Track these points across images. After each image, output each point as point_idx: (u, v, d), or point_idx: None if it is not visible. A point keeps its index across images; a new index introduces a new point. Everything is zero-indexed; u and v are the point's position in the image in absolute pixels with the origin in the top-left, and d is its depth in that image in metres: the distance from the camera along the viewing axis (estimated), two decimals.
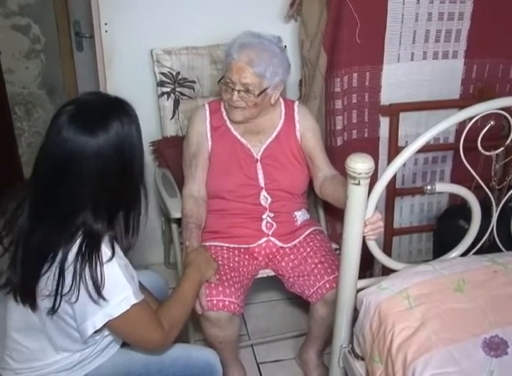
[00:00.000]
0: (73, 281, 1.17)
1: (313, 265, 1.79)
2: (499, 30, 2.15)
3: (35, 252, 1.20)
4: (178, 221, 1.94)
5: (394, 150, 2.18)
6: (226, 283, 1.69)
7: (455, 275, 1.42)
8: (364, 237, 1.44)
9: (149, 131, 2.21)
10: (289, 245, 1.88)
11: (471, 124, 1.45)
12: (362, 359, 1.49)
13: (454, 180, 2.32)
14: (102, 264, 1.19)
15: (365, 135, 2.23)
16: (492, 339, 1.27)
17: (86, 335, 1.24)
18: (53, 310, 1.21)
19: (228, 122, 1.91)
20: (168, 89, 2.13)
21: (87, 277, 1.18)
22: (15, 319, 1.33)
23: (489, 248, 1.64)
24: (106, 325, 1.24)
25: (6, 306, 1.34)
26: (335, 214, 2.08)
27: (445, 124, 1.41)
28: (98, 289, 1.18)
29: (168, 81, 2.13)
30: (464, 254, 1.61)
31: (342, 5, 1.97)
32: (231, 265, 1.79)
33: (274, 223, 1.88)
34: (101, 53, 2.10)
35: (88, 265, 1.18)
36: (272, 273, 1.91)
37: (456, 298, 1.36)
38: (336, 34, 2.01)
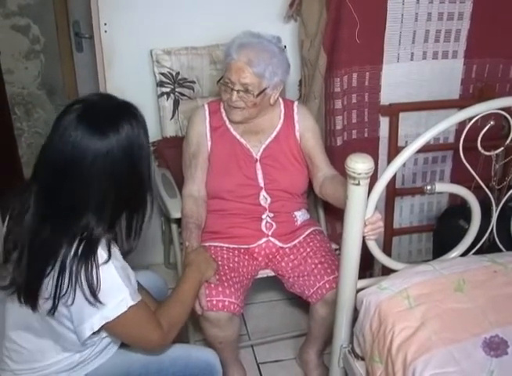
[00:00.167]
0: (69, 283, 1.17)
1: (313, 266, 1.79)
2: (499, 30, 2.15)
3: (40, 253, 1.19)
4: (178, 221, 1.94)
5: (394, 150, 2.19)
6: (226, 284, 1.69)
7: (455, 275, 1.42)
8: (364, 237, 1.44)
9: (149, 131, 2.18)
10: (289, 245, 1.88)
11: (471, 124, 1.45)
12: (362, 359, 1.49)
13: (454, 180, 2.32)
14: (97, 267, 1.18)
15: (365, 135, 2.23)
16: (492, 339, 1.27)
17: (84, 337, 1.24)
18: (51, 312, 1.21)
19: (227, 122, 1.91)
20: (168, 89, 2.13)
21: (83, 280, 1.17)
22: (14, 321, 1.33)
23: (489, 248, 1.64)
24: (104, 327, 1.24)
25: (5, 307, 1.34)
26: (335, 214, 2.08)
27: (445, 124, 1.41)
28: (93, 292, 1.18)
29: (168, 81, 2.12)
30: (464, 254, 1.61)
31: (342, 5, 1.97)
32: (231, 265, 1.79)
33: (274, 223, 1.88)
34: (100, 54, 2.10)
35: (83, 267, 1.17)
36: (272, 274, 1.91)
37: (456, 298, 1.36)
38: (335, 34, 2.01)
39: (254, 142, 1.90)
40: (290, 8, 2.14)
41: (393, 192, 2.27)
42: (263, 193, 1.88)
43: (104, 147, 1.16)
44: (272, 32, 1.89)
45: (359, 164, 1.30)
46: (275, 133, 1.92)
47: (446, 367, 1.22)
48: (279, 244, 1.88)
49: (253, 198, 1.88)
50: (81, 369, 1.36)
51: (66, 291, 1.17)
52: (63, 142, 1.17)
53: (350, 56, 2.07)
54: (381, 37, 2.09)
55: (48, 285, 1.19)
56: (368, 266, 2.10)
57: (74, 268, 1.17)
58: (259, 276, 1.90)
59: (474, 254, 1.62)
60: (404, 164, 1.56)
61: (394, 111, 2.19)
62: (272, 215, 1.88)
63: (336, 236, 2.11)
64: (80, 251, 1.18)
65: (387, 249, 2.33)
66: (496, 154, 1.55)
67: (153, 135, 2.19)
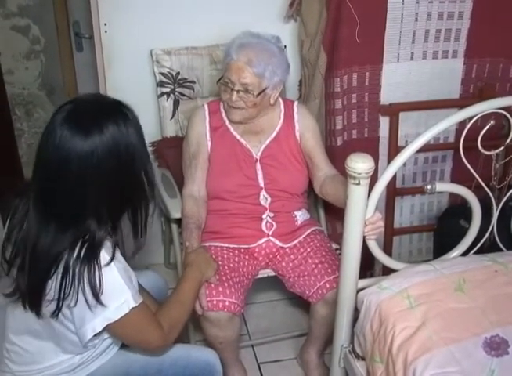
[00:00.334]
0: (72, 285, 1.17)
1: (313, 266, 1.79)
2: (499, 29, 2.15)
3: (42, 256, 1.19)
4: (178, 221, 1.94)
5: (394, 150, 2.18)
6: (226, 284, 1.69)
7: (455, 274, 1.42)
8: (364, 237, 1.44)
9: (149, 131, 2.18)
10: (289, 245, 1.88)
11: (471, 123, 1.45)
12: (363, 359, 1.49)
13: (454, 180, 2.31)
14: (100, 269, 1.18)
15: (365, 134, 2.23)
16: (493, 339, 1.27)
17: (86, 339, 1.23)
18: (54, 314, 1.20)
19: (227, 122, 1.91)
20: (168, 89, 2.13)
21: (85, 282, 1.17)
22: (15, 322, 1.33)
23: (490, 248, 1.64)
24: (106, 328, 1.24)
25: (7, 310, 1.34)
26: (335, 214, 2.08)
27: (445, 123, 1.41)
28: (96, 294, 1.18)
29: (168, 81, 2.12)
30: (465, 254, 1.61)
31: (342, 5, 1.97)
32: (231, 265, 1.79)
33: (274, 223, 1.88)
34: (100, 54, 2.10)
35: (86, 269, 1.17)
36: (273, 273, 1.91)
37: (456, 298, 1.36)
38: (335, 33, 2.01)
39: (254, 142, 1.90)
40: (290, 8, 2.14)
41: (393, 192, 2.27)
42: (263, 193, 1.88)
43: (88, 147, 1.15)
44: (272, 32, 1.90)
45: (359, 164, 1.30)
46: (275, 133, 1.92)
47: (447, 367, 1.22)
48: (280, 244, 1.88)
49: (253, 198, 1.88)
50: (82, 370, 1.36)
51: (70, 292, 1.17)
52: (51, 143, 1.16)
53: (350, 56, 2.07)
54: (381, 37, 2.09)
55: (51, 287, 1.19)
56: (368, 266, 2.10)
57: (77, 270, 1.17)
58: (259, 276, 1.90)
59: (475, 253, 1.62)
60: (404, 164, 1.56)
61: (394, 111, 2.19)
62: (272, 214, 1.88)
63: (336, 235, 2.11)
64: (82, 254, 1.18)
65: (387, 249, 2.33)
66: (496, 154, 1.55)
67: (153, 135, 2.21)
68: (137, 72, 2.15)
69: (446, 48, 2.18)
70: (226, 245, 1.85)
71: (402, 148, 1.43)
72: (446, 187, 1.71)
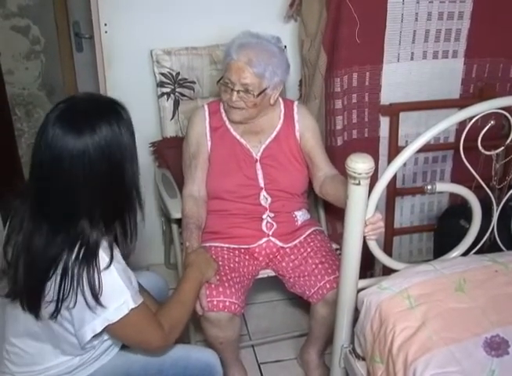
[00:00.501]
0: (71, 287, 1.17)
1: (314, 266, 1.79)
2: (499, 29, 2.14)
3: (38, 257, 1.19)
4: (179, 221, 1.94)
5: (395, 150, 2.18)
6: (227, 284, 1.69)
7: (455, 275, 1.42)
8: (364, 237, 1.44)
9: (149, 131, 2.22)
10: (289, 245, 1.88)
11: (471, 123, 1.45)
12: (363, 359, 1.49)
13: (454, 180, 2.31)
14: (99, 271, 1.18)
15: (366, 134, 2.23)
16: (493, 339, 1.27)
17: (85, 340, 1.23)
18: (53, 315, 1.20)
19: (227, 123, 1.91)
20: (168, 90, 2.13)
21: (84, 283, 1.17)
22: (14, 324, 1.33)
23: (490, 248, 1.64)
24: (106, 329, 1.24)
25: (6, 311, 1.34)
26: (335, 214, 2.08)
27: (446, 123, 1.41)
28: (96, 295, 1.17)
29: (168, 81, 2.12)
30: (465, 254, 1.61)
31: (342, 5, 1.97)
32: (231, 265, 1.79)
33: (274, 223, 1.88)
34: (101, 54, 2.10)
35: (85, 271, 1.17)
36: (273, 274, 1.91)
37: (456, 298, 1.36)
38: (335, 33, 2.01)
39: (253, 142, 1.90)
40: (290, 8, 2.14)
41: (393, 192, 2.27)
42: (263, 193, 1.88)
43: (80, 147, 1.14)
44: (272, 32, 1.90)
45: (360, 164, 1.30)
46: (275, 133, 1.92)
47: (447, 367, 1.22)
48: (280, 244, 1.88)
49: (253, 198, 1.88)
50: (81, 372, 1.36)
51: (69, 294, 1.17)
52: (44, 141, 1.16)
53: (350, 56, 2.07)
54: (381, 37, 2.09)
55: (50, 288, 1.18)
56: (369, 266, 2.10)
57: (76, 271, 1.17)
58: (260, 276, 1.90)
59: (475, 253, 1.62)
60: (404, 164, 1.56)
61: (394, 111, 2.19)
62: (272, 214, 1.88)
63: (336, 236, 2.11)
64: (81, 256, 1.17)
65: (387, 249, 2.33)
66: (497, 154, 1.55)
67: (153, 135, 2.21)
68: (137, 72, 2.15)
69: (446, 48, 2.18)
70: (226, 245, 1.85)
71: (402, 148, 1.43)
72: (446, 187, 1.71)
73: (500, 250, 1.64)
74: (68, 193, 1.17)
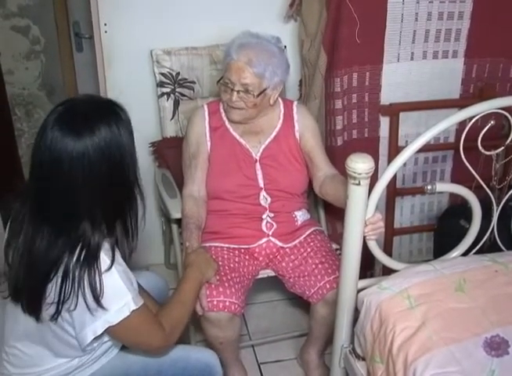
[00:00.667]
0: (72, 289, 1.17)
1: (313, 266, 1.79)
2: (499, 29, 2.14)
3: (39, 260, 1.19)
4: (179, 221, 1.94)
5: (395, 150, 2.18)
6: (227, 284, 1.69)
7: (455, 275, 1.42)
8: (364, 237, 1.44)
9: (149, 131, 2.22)
10: (289, 245, 1.88)
11: (471, 123, 1.45)
12: (363, 359, 1.49)
13: (454, 180, 2.31)
14: (100, 273, 1.18)
15: (366, 135, 2.23)
16: (493, 339, 1.27)
17: (86, 342, 1.23)
18: (54, 317, 1.20)
19: (227, 123, 1.91)
20: (168, 90, 2.13)
21: (86, 285, 1.17)
22: (14, 326, 1.32)
23: (490, 248, 1.64)
24: (107, 331, 1.24)
25: (5, 313, 1.34)
26: (335, 214, 2.08)
27: (446, 123, 1.41)
28: (97, 297, 1.17)
29: (168, 81, 2.12)
30: (465, 254, 1.61)
31: (342, 5, 1.97)
32: (231, 265, 1.79)
33: (274, 223, 1.88)
34: (100, 54, 2.10)
35: (87, 273, 1.17)
36: (273, 274, 1.91)
37: (456, 298, 1.36)
38: (335, 33, 2.01)
39: (253, 142, 1.90)
40: (290, 8, 2.14)
41: (393, 192, 2.27)
42: (263, 193, 1.88)
43: (79, 148, 1.14)
44: (272, 32, 1.90)
45: (360, 164, 1.30)
46: (274, 133, 1.92)
47: (447, 367, 1.22)
48: (280, 244, 1.88)
49: (253, 198, 1.88)
50: (80, 373, 1.36)
51: (70, 296, 1.17)
52: (43, 144, 1.16)
53: (350, 56, 2.07)
54: (381, 37, 2.09)
55: (51, 290, 1.18)
56: (369, 266, 2.10)
57: (77, 273, 1.17)
58: (260, 276, 1.90)
59: (475, 253, 1.62)
60: (404, 164, 1.56)
61: (394, 111, 2.19)
62: (272, 214, 1.88)
63: (336, 236, 2.11)
64: (82, 258, 1.17)
65: (387, 249, 2.33)
66: (497, 154, 1.55)
67: (153, 135, 2.21)
68: (137, 72, 2.15)
69: (446, 48, 2.18)
70: (226, 245, 1.85)
71: (402, 148, 1.43)
72: (446, 187, 1.71)
73: (500, 250, 1.64)
74: (68, 194, 1.17)
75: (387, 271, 1.62)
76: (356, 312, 1.51)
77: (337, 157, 2.04)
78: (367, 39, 2.04)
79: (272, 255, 1.89)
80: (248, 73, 1.76)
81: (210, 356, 1.49)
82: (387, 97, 2.19)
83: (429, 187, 1.49)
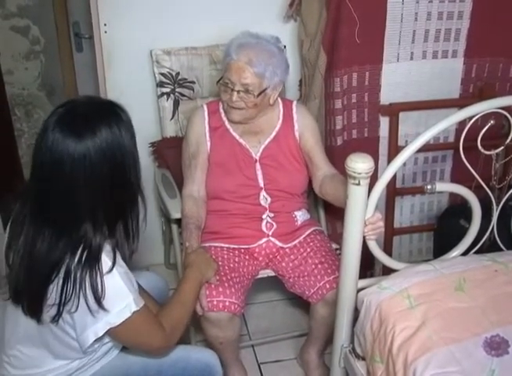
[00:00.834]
0: (73, 290, 1.17)
1: (313, 266, 1.79)
2: (499, 29, 2.14)
3: (40, 262, 1.18)
4: (178, 221, 1.94)
5: (394, 150, 2.18)
6: (226, 284, 1.69)
7: (455, 274, 1.42)
8: (364, 237, 1.44)
9: (149, 131, 2.22)
10: (289, 245, 1.88)
11: (471, 123, 1.45)
12: (363, 359, 1.49)
13: (454, 179, 2.31)
14: (102, 274, 1.18)
15: (365, 134, 2.23)
16: (493, 338, 1.27)
17: (87, 344, 1.23)
18: (55, 319, 1.20)
19: (226, 123, 1.91)
20: (168, 90, 2.13)
21: (87, 287, 1.17)
22: (14, 327, 1.32)
23: (490, 247, 1.64)
24: (108, 332, 1.24)
25: (6, 314, 1.34)
26: (335, 214, 2.08)
27: (445, 123, 1.41)
28: (98, 299, 1.17)
29: (168, 81, 2.12)
30: (465, 254, 1.61)
31: (341, 5, 1.97)
32: (231, 265, 1.79)
33: (274, 223, 1.88)
34: (100, 54, 2.10)
35: (88, 274, 1.17)
36: (273, 274, 1.91)
37: (456, 298, 1.36)
38: (335, 33, 2.01)
39: (253, 142, 1.90)
40: (289, 8, 2.14)
41: (393, 191, 2.27)
42: (263, 193, 1.88)
43: (81, 150, 1.14)
44: (272, 32, 1.89)
45: (359, 164, 1.30)
46: (274, 133, 1.92)
47: (447, 367, 1.22)
48: (280, 244, 1.88)
49: (253, 198, 1.88)
50: (80, 374, 1.36)
51: (71, 297, 1.17)
52: (44, 146, 1.16)
53: (350, 56, 2.07)
54: (381, 37, 2.09)
55: (52, 292, 1.18)
56: (368, 266, 2.10)
57: (79, 275, 1.17)
58: (259, 276, 1.90)
59: (475, 253, 1.61)
60: (404, 164, 1.56)
61: (394, 111, 2.19)
62: (272, 214, 1.88)
63: (336, 236, 2.11)
64: (84, 259, 1.17)
65: (387, 249, 2.33)
66: (496, 153, 1.55)
67: (153, 135, 2.22)
68: (137, 72, 2.15)
69: (446, 48, 2.18)
70: (226, 245, 1.85)
71: (402, 148, 1.43)
72: (446, 187, 1.71)
73: (500, 249, 1.64)
74: (69, 195, 1.17)
75: (387, 271, 1.62)
76: (356, 311, 1.51)
77: (337, 157, 2.04)
78: (367, 39, 2.04)
79: (272, 255, 1.89)
80: (249, 73, 1.76)
81: (211, 356, 1.49)
82: (386, 97, 2.19)
83: (429, 187, 1.49)
